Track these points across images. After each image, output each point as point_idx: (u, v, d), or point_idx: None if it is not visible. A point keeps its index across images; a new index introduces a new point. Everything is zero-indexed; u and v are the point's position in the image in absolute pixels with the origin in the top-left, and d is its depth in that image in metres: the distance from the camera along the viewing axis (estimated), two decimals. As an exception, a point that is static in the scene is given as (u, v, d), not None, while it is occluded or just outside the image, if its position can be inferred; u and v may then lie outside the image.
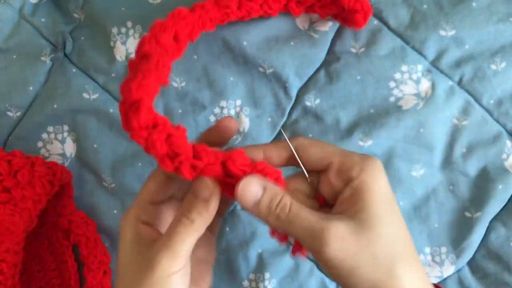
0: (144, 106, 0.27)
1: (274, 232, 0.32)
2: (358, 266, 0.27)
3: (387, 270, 0.27)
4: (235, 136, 0.45)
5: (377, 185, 0.29)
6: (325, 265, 0.28)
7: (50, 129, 0.46)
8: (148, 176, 0.33)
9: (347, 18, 0.41)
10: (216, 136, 0.33)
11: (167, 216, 0.33)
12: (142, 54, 0.30)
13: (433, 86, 0.43)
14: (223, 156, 0.29)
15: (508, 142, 0.43)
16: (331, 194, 0.31)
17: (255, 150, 0.32)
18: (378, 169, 0.29)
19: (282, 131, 0.34)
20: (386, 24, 0.44)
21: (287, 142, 0.31)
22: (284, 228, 0.29)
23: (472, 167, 0.44)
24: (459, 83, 0.44)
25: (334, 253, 0.27)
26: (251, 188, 0.29)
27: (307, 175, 0.32)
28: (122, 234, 0.32)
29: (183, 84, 0.45)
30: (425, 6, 0.44)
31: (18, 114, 0.46)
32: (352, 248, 0.27)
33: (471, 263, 0.44)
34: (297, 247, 0.31)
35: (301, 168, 0.32)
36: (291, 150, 0.31)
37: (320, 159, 0.31)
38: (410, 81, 0.44)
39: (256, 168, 0.29)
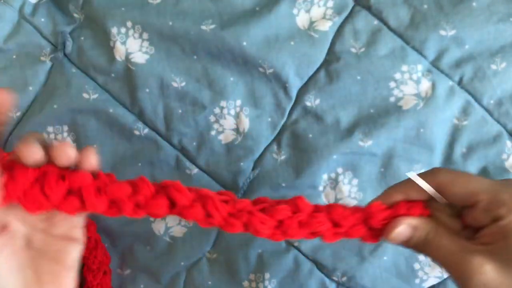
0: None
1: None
2: None
3: None
4: (235, 136, 0.45)
5: None
6: None
7: (50, 129, 0.46)
8: None
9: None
10: None
11: None
12: None
13: (433, 86, 0.43)
14: (364, 214, 0.31)
15: (508, 142, 0.43)
16: (474, 224, 0.30)
17: (394, 194, 0.32)
18: None
19: (415, 177, 0.31)
20: (386, 24, 0.44)
21: (426, 181, 0.31)
22: (427, 254, 0.30)
23: (473, 167, 0.44)
24: (459, 83, 0.44)
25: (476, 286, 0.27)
26: (404, 232, 0.30)
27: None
28: None
29: (183, 84, 0.45)
30: (425, 6, 0.43)
31: (18, 114, 0.46)
32: (494, 283, 0.27)
33: (471, 263, 0.44)
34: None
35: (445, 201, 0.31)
36: (431, 190, 0.31)
37: (466, 197, 0.29)
38: (410, 81, 0.44)
39: (397, 214, 0.31)
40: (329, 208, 0.31)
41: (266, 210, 0.30)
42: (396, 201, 0.31)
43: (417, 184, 0.31)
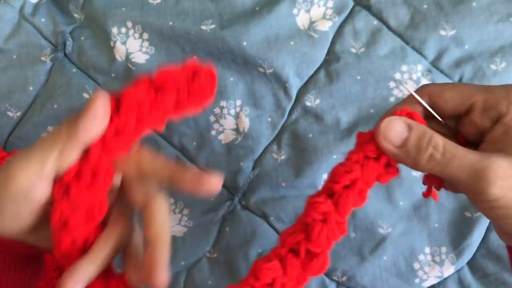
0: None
1: (428, 178, 0.29)
2: None
3: None
4: (235, 136, 0.45)
5: None
6: (489, 207, 0.25)
7: (50, 129, 0.46)
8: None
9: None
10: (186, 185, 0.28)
11: None
12: None
13: (433, 86, 0.43)
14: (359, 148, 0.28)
15: (508, 142, 0.43)
16: (475, 134, 0.28)
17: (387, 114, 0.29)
18: None
19: (402, 84, 0.30)
20: (386, 24, 0.44)
21: (417, 95, 0.28)
22: (439, 169, 0.26)
23: (472, 167, 0.44)
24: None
25: (502, 192, 0.24)
26: (396, 127, 0.26)
27: (441, 120, 0.29)
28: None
29: (183, 84, 0.45)
30: (425, 6, 0.44)
31: (18, 114, 0.46)
32: None
33: (471, 263, 0.44)
34: (431, 181, 0.29)
35: (436, 116, 0.29)
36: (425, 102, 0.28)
37: (460, 103, 0.27)
38: (410, 81, 0.44)
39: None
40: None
41: None
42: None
43: (410, 106, 0.28)
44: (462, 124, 0.28)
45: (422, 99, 0.28)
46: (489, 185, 0.24)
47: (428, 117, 0.29)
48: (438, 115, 0.28)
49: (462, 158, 0.25)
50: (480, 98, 0.27)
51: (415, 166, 0.26)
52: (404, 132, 0.26)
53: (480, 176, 0.24)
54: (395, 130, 0.26)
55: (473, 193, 0.25)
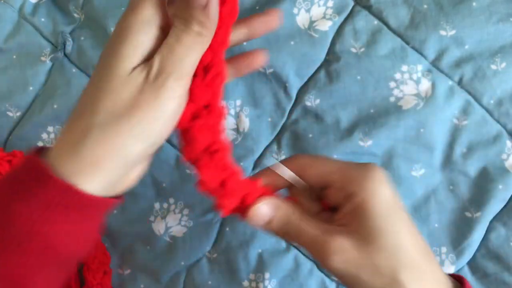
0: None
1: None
2: (361, 277, 0.28)
3: (390, 280, 0.28)
4: (235, 136, 0.45)
5: (376, 199, 0.29)
6: (332, 274, 0.30)
7: (50, 129, 0.46)
8: None
9: None
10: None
11: None
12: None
13: (433, 86, 0.43)
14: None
15: (508, 142, 0.43)
16: (332, 204, 0.32)
17: (260, 179, 0.33)
18: (378, 181, 0.29)
19: (276, 165, 0.33)
20: (386, 24, 0.44)
21: (288, 166, 0.32)
22: (291, 240, 0.31)
23: (472, 167, 0.44)
24: (459, 83, 0.44)
25: (337, 265, 0.28)
26: (261, 211, 0.31)
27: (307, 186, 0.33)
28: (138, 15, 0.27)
29: (183, 84, 0.45)
30: (425, 6, 0.44)
31: (18, 114, 0.46)
32: (354, 261, 0.28)
33: (471, 263, 0.44)
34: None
35: (301, 184, 0.33)
36: (291, 175, 0.32)
37: (320, 180, 0.31)
38: (410, 81, 0.44)
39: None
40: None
41: None
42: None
43: (276, 178, 0.32)
44: (326, 195, 0.32)
45: (293, 167, 0.32)
46: (326, 259, 0.29)
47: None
48: (305, 183, 0.32)
49: (309, 233, 0.30)
50: (336, 178, 0.31)
51: (276, 235, 0.32)
52: (271, 211, 0.31)
53: (321, 250, 0.29)
54: (264, 213, 0.31)
55: (319, 262, 0.30)
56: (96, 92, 0.27)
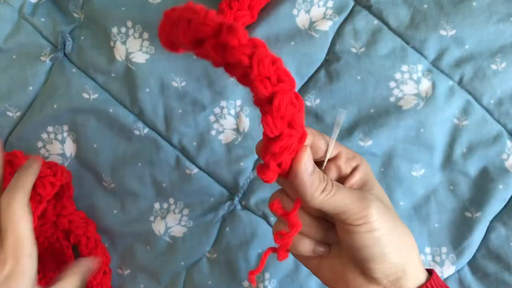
0: (239, 26, 0.25)
1: (278, 236, 0.31)
2: (393, 224, 0.31)
3: (408, 257, 0.31)
4: (235, 136, 0.45)
5: (372, 173, 0.34)
6: (369, 230, 0.30)
7: (50, 129, 0.46)
8: None
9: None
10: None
11: None
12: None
13: (433, 86, 0.43)
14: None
15: (508, 142, 0.43)
16: (337, 178, 0.33)
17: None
18: (365, 161, 0.34)
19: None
20: (386, 24, 0.44)
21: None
22: (328, 198, 0.30)
23: (473, 167, 0.44)
24: (460, 83, 0.44)
25: (378, 213, 0.30)
26: (309, 163, 0.31)
27: (325, 161, 0.34)
28: None
29: (183, 84, 0.45)
30: (425, 6, 0.44)
31: (18, 114, 0.46)
32: (383, 211, 0.31)
33: (471, 263, 0.44)
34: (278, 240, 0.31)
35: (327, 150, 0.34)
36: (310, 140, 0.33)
37: (332, 150, 0.34)
38: (411, 81, 0.44)
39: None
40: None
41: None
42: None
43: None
44: (328, 169, 0.34)
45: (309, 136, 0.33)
46: (370, 207, 0.30)
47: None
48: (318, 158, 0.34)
49: (345, 190, 0.31)
50: (344, 150, 0.34)
51: (311, 197, 0.30)
52: (312, 167, 0.31)
53: (362, 200, 0.30)
54: (308, 165, 0.31)
55: (356, 217, 0.30)
56: None
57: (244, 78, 0.26)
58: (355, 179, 0.33)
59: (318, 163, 0.33)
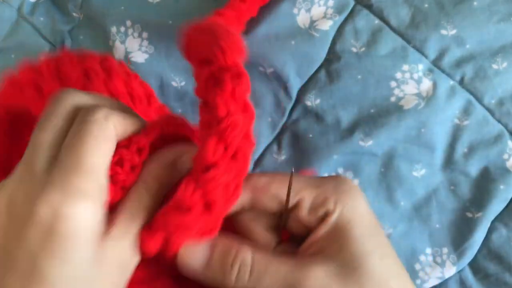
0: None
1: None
2: None
3: None
4: (235, 136, 0.45)
5: (358, 216, 0.24)
6: None
7: (49, 129, 0.46)
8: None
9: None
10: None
11: None
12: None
13: (434, 86, 0.43)
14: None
15: (509, 142, 0.43)
16: (302, 231, 0.25)
17: None
18: (355, 196, 0.24)
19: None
20: (387, 23, 0.44)
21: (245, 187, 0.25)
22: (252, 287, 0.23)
23: (474, 167, 0.44)
24: (461, 82, 0.44)
25: None
26: (194, 249, 0.23)
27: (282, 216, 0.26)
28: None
29: (183, 83, 0.45)
30: (426, 6, 0.43)
31: (17, 114, 0.46)
32: None
33: (472, 264, 0.44)
34: None
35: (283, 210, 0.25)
36: (248, 197, 0.25)
37: (282, 200, 0.25)
38: (411, 80, 0.43)
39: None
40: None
41: None
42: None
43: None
44: (290, 219, 0.25)
45: (244, 194, 0.25)
46: None
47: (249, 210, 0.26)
48: (264, 208, 0.25)
49: (275, 272, 0.23)
50: (308, 194, 0.24)
51: None
52: (206, 251, 0.23)
53: (294, 285, 0.22)
54: (195, 252, 0.23)
55: None
56: None
57: (206, 127, 0.23)
58: (319, 236, 0.24)
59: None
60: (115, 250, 0.22)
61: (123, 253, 0.22)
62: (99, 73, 0.32)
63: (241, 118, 0.23)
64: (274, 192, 0.24)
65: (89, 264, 0.21)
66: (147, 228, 0.22)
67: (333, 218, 0.24)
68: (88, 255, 0.21)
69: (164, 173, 0.24)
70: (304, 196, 0.24)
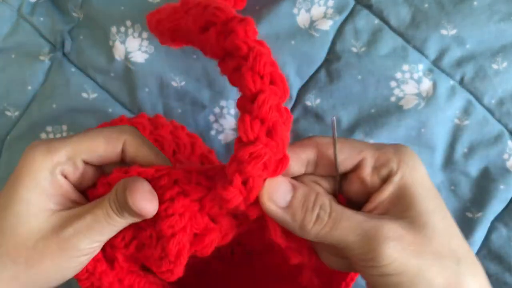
0: (253, 23, 0.23)
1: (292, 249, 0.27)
2: (423, 268, 0.23)
3: (454, 271, 0.23)
4: (234, 136, 0.45)
5: (420, 178, 0.25)
6: (380, 273, 0.23)
7: (49, 128, 0.46)
8: (102, 128, 0.28)
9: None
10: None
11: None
12: None
13: (434, 86, 0.43)
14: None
15: (509, 142, 0.43)
16: (361, 194, 0.26)
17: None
18: (416, 159, 0.25)
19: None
20: (387, 23, 0.44)
21: (309, 143, 0.26)
22: (326, 231, 0.24)
23: (474, 167, 0.44)
24: (461, 82, 0.44)
25: (395, 254, 0.22)
26: (281, 187, 0.24)
27: (338, 175, 0.26)
28: (28, 175, 0.25)
29: (183, 83, 0.45)
30: (426, 5, 0.43)
31: (17, 113, 0.46)
32: (413, 247, 0.23)
33: (472, 264, 0.44)
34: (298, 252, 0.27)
35: (336, 168, 0.26)
36: (313, 153, 0.26)
37: (350, 158, 0.25)
38: (411, 80, 0.43)
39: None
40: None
41: None
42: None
43: (296, 156, 0.26)
44: (348, 182, 0.26)
45: (309, 150, 0.26)
46: (381, 246, 0.22)
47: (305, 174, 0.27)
48: (324, 171, 0.26)
49: (351, 218, 0.23)
50: (370, 154, 0.25)
51: (302, 230, 0.24)
52: (289, 192, 0.24)
53: (371, 236, 0.23)
54: (280, 190, 0.24)
55: (363, 258, 0.23)
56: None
57: (236, 73, 0.23)
58: (384, 196, 0.25)
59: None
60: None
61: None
62: (146, 126, 0.36)
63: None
64: (337, 149, 0.25)
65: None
66: (223, 185, 0.23)
67: (397, 178, 0.24)
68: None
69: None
70: (367, 156, 0.25)
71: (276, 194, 0.24)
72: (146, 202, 0.25)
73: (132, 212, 0.25)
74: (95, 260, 0.27)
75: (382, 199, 0.25)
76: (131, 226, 0.27)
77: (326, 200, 0.24)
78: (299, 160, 0.26)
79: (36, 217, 0.25)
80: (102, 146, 0.27)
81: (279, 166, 0.24)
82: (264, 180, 0.24)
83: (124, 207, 0.25)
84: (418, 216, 0.23)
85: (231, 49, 0.23)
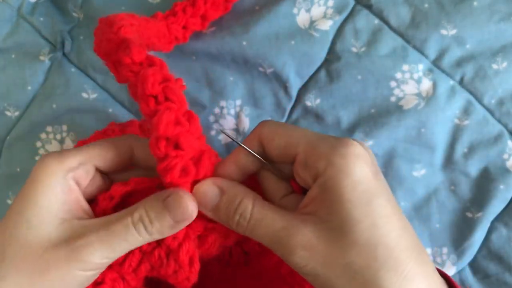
0: (135, 44, 0.25)
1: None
2: (330, 279, 0.23)
3: (367, 283, 0.23)
4: (235, 137, 0.45)
5: (351, 182, 0.23)
6: (300, 272, 0.25)
7: (49, 129, 0.46)
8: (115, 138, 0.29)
9: None
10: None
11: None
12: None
13: (434, 86, 0.43)
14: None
15: (509, 142, 0.43)
16: (304, 185, 0.27)
17: (227, 165, 0.28)
18: (352, 156, 0.24)
19: (225, 133, 0.30)
20: (387, 23, 0.44)
21: (252, 137, 0.27)
22: (248, 234, 0.26)
23: (474, 167, 0.44)
24: (461, 82, 0.44)
25: (301, 263, 0.24)
26: (208, 193, 0.26)
27: (269, 164, 0.28)
28: (41, 180, 0.25)
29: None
30: (426, 5, 0.43)
31: (17, 113, 0.46)
32: (323, 258, 0.23)
33: (472, 264, 0.44)
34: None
35: (264, 161, 0.28)
36: (255, 148, 0.27)
37: (284, 153, 0.26)
38: (411, 80, 0.43)
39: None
40: None
41: None
42: (230, 174, 0.27)
43: (244, 150, 0.27)
44: (294, 173, 0.27)
45: (255, 143, 0.27)
46: (291, 255, 0.24)
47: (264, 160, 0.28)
48: (269, 160, 0.27)
49: (269, 225, 0.25)
50: (302, 151, 0.25)
51: (230, 227, 0.27)
52: (216, 196, 0.26)
53: (284, 245, 0.24)
54: (207, 195, 0.26)
55: (283, 259, 0.25)
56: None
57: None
58: (311, 196, 0.25)
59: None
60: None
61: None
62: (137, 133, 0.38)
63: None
64: (276, 142, 0.26)
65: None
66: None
67: (321, 180, 0.24)
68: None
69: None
70: (298, 153, 0.25)
71: (204, 199, 0.26)
72: (194, 204, 0.25)
73: (179, 217, 0.25)
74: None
75: (310, 199, 0.25)
76: (135, 252, 0.27)
77: (249, 206, 0.26)
78: (249, 157, 0.27)
79: (47, 224, 0.25)
80: (112, 152, 0.28)
81: (200, 167, 0.25)
82: (192, 182, 0.26)
83: (162, 217, 0.25)
84: (340, 224, 0.23)
85: (126, 79, 0.25)
